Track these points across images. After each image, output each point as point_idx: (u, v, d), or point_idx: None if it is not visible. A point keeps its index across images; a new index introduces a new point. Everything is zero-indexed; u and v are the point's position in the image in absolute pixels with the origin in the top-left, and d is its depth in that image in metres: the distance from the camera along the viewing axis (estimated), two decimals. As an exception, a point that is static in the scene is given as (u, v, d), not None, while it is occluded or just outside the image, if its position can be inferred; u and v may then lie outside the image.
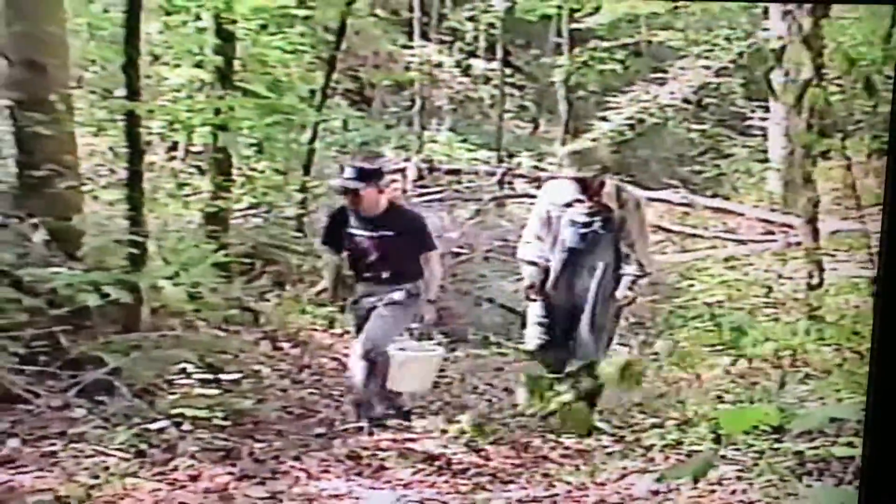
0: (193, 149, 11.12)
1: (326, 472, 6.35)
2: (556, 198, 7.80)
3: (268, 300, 9.32)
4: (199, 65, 10.10)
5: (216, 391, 6.96)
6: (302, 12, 11.24)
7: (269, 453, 6.49)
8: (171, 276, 8.32)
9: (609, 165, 7.79)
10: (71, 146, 8.40)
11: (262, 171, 10.99)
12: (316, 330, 9.49)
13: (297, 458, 6.47)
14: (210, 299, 8.54)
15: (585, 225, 7.69)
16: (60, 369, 6.97)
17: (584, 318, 7.80)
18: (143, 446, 6.16)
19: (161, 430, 6.38)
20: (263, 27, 10.85)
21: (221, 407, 6.85)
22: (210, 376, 7.18)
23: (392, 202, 7.82)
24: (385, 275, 7.62)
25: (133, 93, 7.66)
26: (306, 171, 10.65)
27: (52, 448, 6.03)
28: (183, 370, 7.07)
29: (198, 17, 10.23)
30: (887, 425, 2.69)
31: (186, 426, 6.55)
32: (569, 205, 7.71)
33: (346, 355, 8.64)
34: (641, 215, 7.78)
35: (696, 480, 5.62)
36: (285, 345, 8.88)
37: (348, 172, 7.71)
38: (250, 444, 6.57)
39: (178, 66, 10.36)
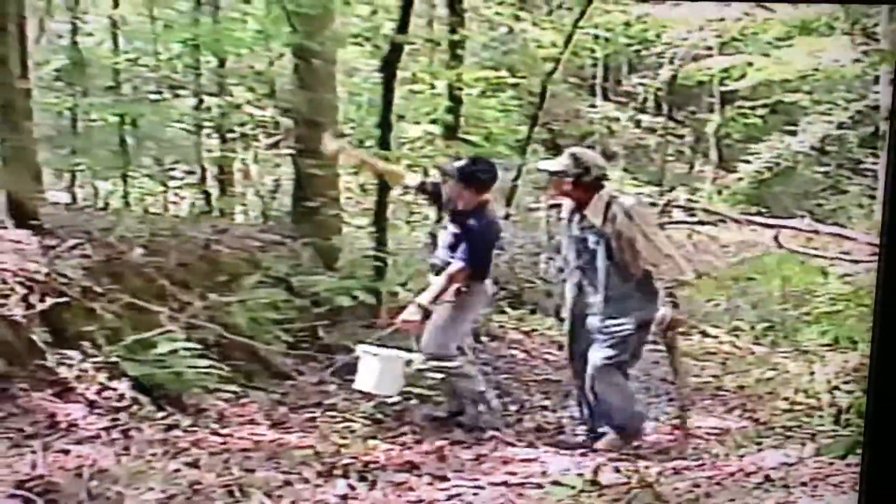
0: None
1: (520, 440, 6.41)
2: (564, 208, 6.43)
3: None
4: (433, 122, 10.76)
5: (439, 374, 6.73)
6: (512, 80, 11.91)
7: (477, 424, 6.55)
8: (403, 283, 8.50)
9: (590, 166, 6.15)
10: (334, 184, 9.14)
11: None
12: (507, 327, 9.44)
13: (496, 429, 6.55)
14: None
15: (580, 241, 6.23)
16: (318, 354, 7.38)
17: (591, 358, 6.26)
18: (380, 416, 6.40)
19: (394, 404, 6.64)
20: (483, 93, 11.38)
21: (441, 387, 6.80)
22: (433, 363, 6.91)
23: (482, 204, 6.63)
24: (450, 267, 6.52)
25: (384, 144, 8.33)
26: (508, 202, 10.85)
27: (312, 415, 6.33)
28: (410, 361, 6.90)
29: (432, 86, 10.99)
30: (887, 427, 2.45)
31: (414, 401, 6.77)
32: (570, 218, 6.33)
33: (533, 348, 8.78)
34: (640, 223, 5.98)
35: (844, 456, 5.03)
36: (485, 339, 8.75)
37: (467, 164, 6.75)
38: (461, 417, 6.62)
39: (417, 123, 11.06)
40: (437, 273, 6.66)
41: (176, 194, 10.75)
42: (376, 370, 6.35)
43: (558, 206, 6.80)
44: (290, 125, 9.44)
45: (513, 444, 6.28)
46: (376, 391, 6.43)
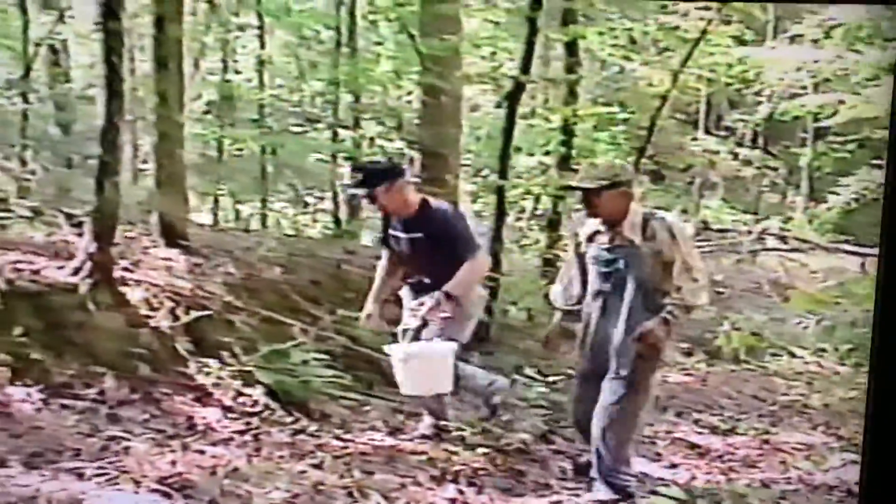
0: (537, 212, 11.88)
1: None
2: (584, 229, 5.14)
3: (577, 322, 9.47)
4: (547, 153, 10.77)
5: (542, 388, 6.78)
6: (623, 115, 11.89)
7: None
8: (515, 302, 8.58)
9: (624, 180, 4.88)
10: None
11: None
12: None
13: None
14: (539, 320, 8.34)
15: (607, 263, 4.97)
16: None
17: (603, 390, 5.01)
18: (487, 426, 6.02)
19: (500, 414, 6.15)
20: (595, 126, 11.37)
21: (544, 398, 6.74)
22: (538, 376, 7.18)
23: (425, 200, 5.62)
24: (426, 280, 5.53)
25: (502, 173, 8.24)
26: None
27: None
28: (518, 370, 7.16)
29: (547, 119, 10.96)
30: (888, 431, 2.34)
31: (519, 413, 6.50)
32: (591, 238, 5.07)
33: None
34: (682, 246, 4.84)
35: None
36: None
37: (348, 178, 6.11)
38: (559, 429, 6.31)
39: (531, 154, 11.09)
40: (417, 293, 5.61)
41: (313, 218, 10.89)
42: (416, 370, 5.40)
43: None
44: (415, 156, 9.52)
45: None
46: (427, 392, 5.62)
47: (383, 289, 6.01)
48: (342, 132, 10.39)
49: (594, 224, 5.03)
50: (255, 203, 10.55)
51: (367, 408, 6.28)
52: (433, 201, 5.68)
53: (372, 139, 10.67)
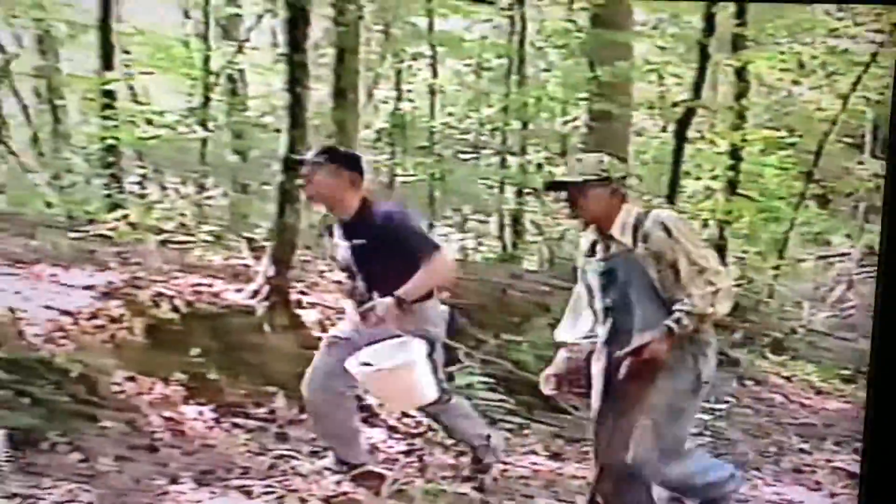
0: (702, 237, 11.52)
1: (778, 480, 6.10)
2: (582, 245, 4.44)
3: (742, 349, 9.17)
4: (714, 178, 10.49)
5: (706, 415, 6.44)
6: (790, 140, 11.56)
7: (739, 464, 5.94)
8: None
9: (613, 175, 4.18)
10: None
11: (745, 252, 11.14)
12: (769, 372, 9.05)
13: (756, 469, 6.17)
14: None
15: (604, 275, 4.21)
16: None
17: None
18: None
19: None
20: (762, 151, 11.07)
21: (707, 426, 6.42)
22: (703, 404, 7.08)
23: (366, 200, 4.75)
24: (377, 296, 4.63)
25: (671, 198, 8.32)
26: (780, 254, 10.61)
27: (586, 448, 5.50)
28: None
29: (713, 143, 10.73)
30: (888, 428, 2.25)
31: None
32: (591, 252, 4.34)
33: (793, 393, 8.27)
34: (684, 244, 4.01)
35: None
36: (748, 382, 8.42)
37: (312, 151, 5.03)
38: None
39: (698, 178, 10.87)
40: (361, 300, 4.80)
41: (478, 242, 10.90)
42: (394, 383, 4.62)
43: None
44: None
45: (771, 484, 6.01)
46: (409, 406, 5.06)
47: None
48: (509, 158, 10.44)
49: (589, 235, 4.33)
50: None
51: (528, 432, 6.24)
52: (375, 202, 4.82)
53: (540, 165, 10.62)
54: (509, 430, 6.10)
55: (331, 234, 4.96)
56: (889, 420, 2.36)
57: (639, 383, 4.06)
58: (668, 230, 4.04)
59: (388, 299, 4.54)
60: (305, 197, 5.23)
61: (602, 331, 4.29)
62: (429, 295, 4.77)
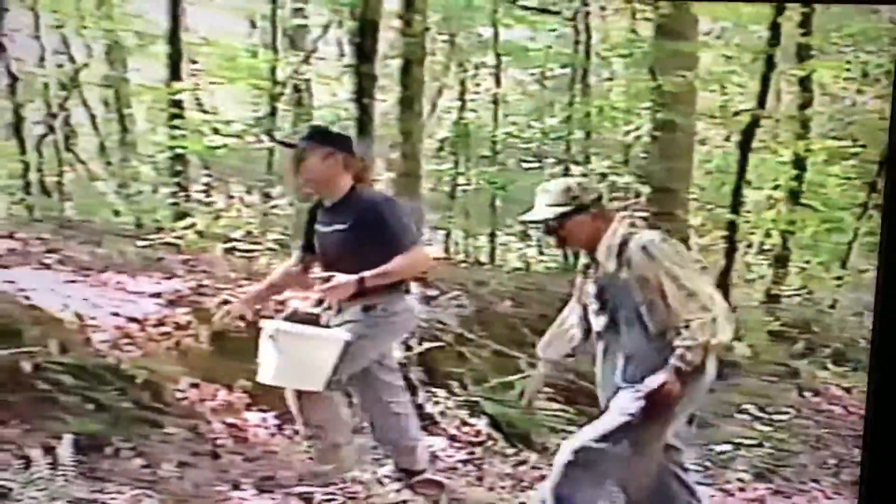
0: (764, 247, 11.46)
1: (838, 493, 6.05)
2: (581, 260, 4.13)
3: (802, 360, 9.03)
4: (775, 187, 10.42)
5: (765, 427, 6.63)
6: (854, 150, 11.41)
7: (798, 475, 6.17)
8: (739, 338, 8.12)
9: (586, 201, 3.85)
10: (685, 244, 8.89)
11: (808, 263, 11.03)
12: (829, 383, 8.86)
13: (815, 481, 6.11)
14: (763, 357, 8.29)
15: (595, 298, 3.95)
16: None
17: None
18: (707, 463, 6.00)
19: (721, 453, 6.24)
20: (826, 161, 10.95)
21: (766, 437, 6.53)
22: (762, 415, 6.95)
23: (356, 187, 4.49)
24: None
25: (735, 207, 8.14)
26: (843, 265, 10.52)
27: None
28: (740, 408, 6.93)
29: (776, 152, 10.62)
30: (888, 427, 2.21)
31: (742, 451, 6.32)
32: (585, 272, 4.07)
33: (852, 404, 8.09)
34: (669, 268, 3.70)
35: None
36: (807, 394, 8.27)
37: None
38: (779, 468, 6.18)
39: (759, 188, 10.77)
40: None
41: (540, 251, 10.87)
42: (282, 353, 4.30)
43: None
44: (644, 191, 9.38)
45: (830, 497, 5.99)
46: (290, 385, 4.48)
47: (271, 289, 4.98)
48: (572, 168, 10.34)
49: (584, 255, 4.04)
50: (483, 237, 10.63)
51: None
52: (365, 189, 4.58)
53: (604, 174, 10.56)
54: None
55: (312, 220, 4.65)
56: (890, 421, 2.30)
57: (656, 422, 3.82)
58: (649, 254, 3.73)
59: (351, 276, 4.28)
60: (298, 180, 4.78)
61: (598, 350, 4.03)
62: (400, 286, 4.46)
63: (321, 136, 4.58)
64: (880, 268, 2.37)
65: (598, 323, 3.96)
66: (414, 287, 4.68)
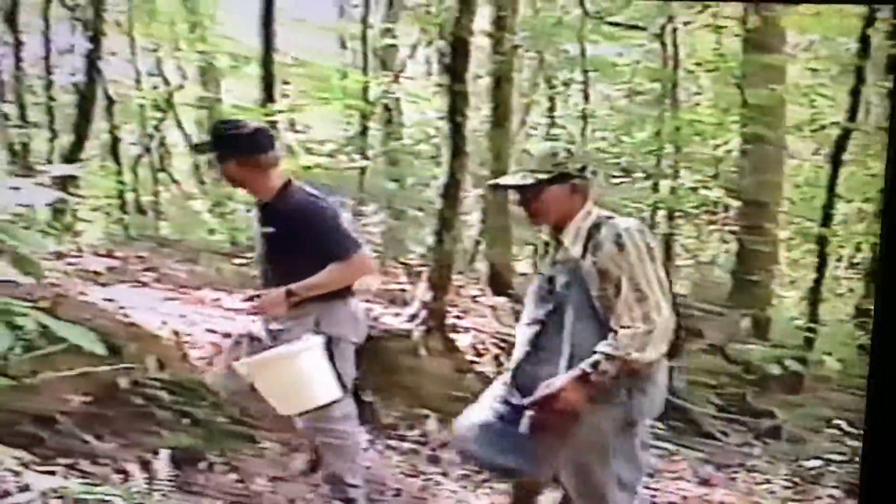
0: (854, 260, 11.27)
1: None
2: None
3: None
4: (865, 200, 10.28)
5: (856, 442, 6.34)
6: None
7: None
8: (829, 353, 8.12)
9: (571, 170, 3.28)
10: (775, 259, 9.11)
11: None
12: None
13: None
14: (853, 371, 7.92)
15: (545, 282, 3.33)
16: (744, 417, 7.01)
17: None
18: (797, 479, 5.95)
19: (811, 468, 6.17)
20: None
21: (856, 453, 6.15)
22: (853, 430, 6.68)
23: (288, 184, 4.05)
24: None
25: (825, 221, 8.08)
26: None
27: (735, 474, 5.93)
28: (830, 423, 6.82)
29: (865, 165, 10.45)
30: (887, 426, 2.14)
31: (832, 466, 6.18)
32: (544, 252, 3.61)
33: None
34: (633, 264, 3.10)
35: None
36: None
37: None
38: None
39: (850, 201, 10.62)
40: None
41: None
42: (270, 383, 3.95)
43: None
44: (735, 204, 9.33)
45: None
46: (299, 409, 4.08)
47: None
48: (661, 182, 10.29)
49: (547, 233, 3.49)
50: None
51: (677, 458, 6.13)
52: (298, 185, 4.10)
53: (695, 189, 10.50)
54: (658, 457, 5.99)
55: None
56: (889, 421, 2.20)
57: (549, 439, 3.22)
58: (621, 244, 3.14)
59: (278, 290, 3.95)
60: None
61: (525, 337, 3.34)
62: (342, 294, 4.09)
63: (229, 142, 4.06)
64: (881, 266, 2.26)
65: (538, 309, 3.31)
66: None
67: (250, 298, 4.10)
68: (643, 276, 3.11)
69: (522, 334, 3.34)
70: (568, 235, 3.28)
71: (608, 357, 3.07)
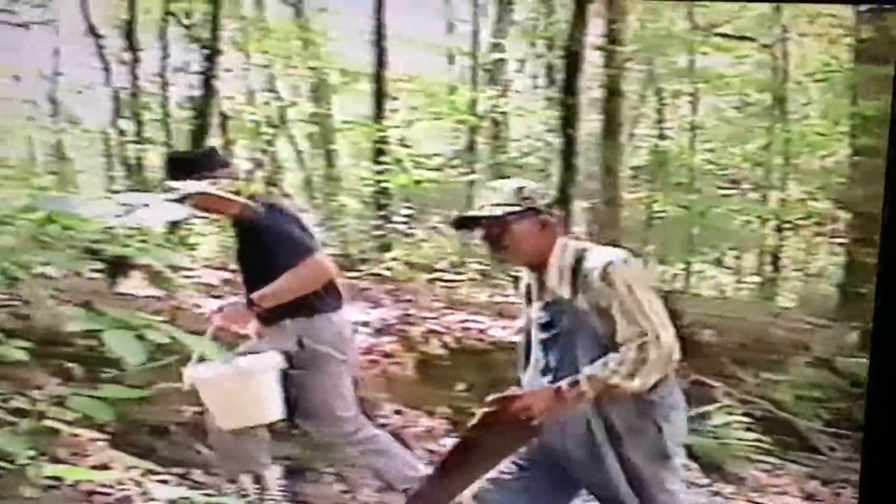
0: None
1: None
2: (523, 281, 3.40)
3: None
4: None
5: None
6: None
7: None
8: None
9: (538, 205, 3.16)
10: None
11: None
12: None
13: None
14: None
15: (544, 328, 3.19)
16: (851, 432, 6.64)
17: None
18: None
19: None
20: None
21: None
22: None
23: (250, 200, 4.00)
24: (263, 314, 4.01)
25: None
26: None
27: (841, 490, 5.86)
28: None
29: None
30: (887, 426, 2.12)
31: None
32: (528, 298, 3.35)
33: None
34: (625, 298, 2.98)
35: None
36: None
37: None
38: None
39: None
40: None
41: (737, 280, 10.73)
42: (220, 395, 3.90)
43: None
44: (843, 216, 9.17)
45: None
46: (242, 423, 3.98)
47: None
48: (769, 193, 10.18)
49: (529, 276, 3.32)
50: (678, 264, 10.55)
51: (782, 472, 6.07)
52: (258, 200, 4.07)
53: (803, 200, 10.36)
54: (763, 471, 5.99)
55: None
56: (889, 424, 2.19)
57: (492, 437, 3.16)
58: (610, 282, 3.01)
59: (238, 300, 4.02)
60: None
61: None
62: (323, 308, 4.07)
63: (187, 168, 4.05)
64: (881, 265, 2.26)
65: (544, 356, 3.23)
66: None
67: (218, 310, 4.04)
68: (637, 308, 3.00)
69: (539, 383, 3.20)
70: (551, 277, 3.16)
71: (589, 378, 2.98)
